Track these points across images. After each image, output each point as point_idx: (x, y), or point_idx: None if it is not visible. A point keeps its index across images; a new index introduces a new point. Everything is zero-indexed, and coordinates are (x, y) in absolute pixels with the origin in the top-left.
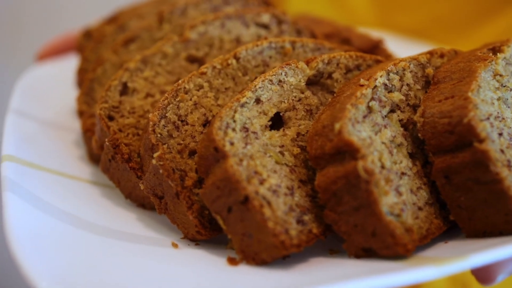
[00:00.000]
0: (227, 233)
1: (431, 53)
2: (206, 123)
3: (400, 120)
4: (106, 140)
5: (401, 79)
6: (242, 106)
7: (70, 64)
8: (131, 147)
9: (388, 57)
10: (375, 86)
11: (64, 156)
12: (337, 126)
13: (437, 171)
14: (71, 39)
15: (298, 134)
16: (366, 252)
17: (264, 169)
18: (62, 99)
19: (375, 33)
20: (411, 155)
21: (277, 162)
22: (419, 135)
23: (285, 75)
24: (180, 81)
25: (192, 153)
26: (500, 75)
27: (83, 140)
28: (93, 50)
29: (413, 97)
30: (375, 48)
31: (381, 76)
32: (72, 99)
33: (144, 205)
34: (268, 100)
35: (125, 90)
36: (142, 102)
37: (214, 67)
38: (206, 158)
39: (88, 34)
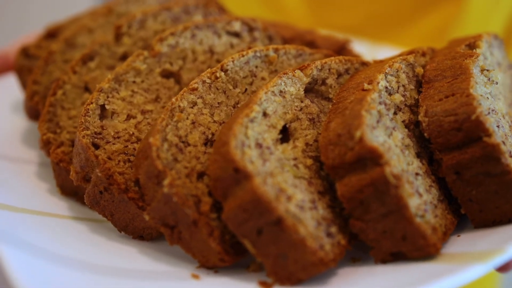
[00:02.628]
0: (257, 256)
1: (412, 52)
2: (207, 142)
3: (403, 121)
4: (98, 170)
5: (397, 81)
6: (252, 121)
7: (4, 85)
8: (126, 176)
9: (355, 57)
10: (379, 90)
11: (32, 192)
12: (357, 134)
13: (447, 168)
14: (3, 58)
15: (306, 144)
16: (394, 257)
17: (287, 185)
18: (3, 127)
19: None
20: (418, 155)
21: (295, 176)
22: (425, 134)
23: (284, 85)
24: (173, 100)
25: (200, 175)
26: (487, 70)
27: (54, 172)
28: (42, 71)
29: (409, 97)
30: (342, 50)
31: (382, 79)
32: (15, 126)
33: (143, 236)
34: (274, 112)
35: (103, 113)
36: (125, 125)
37: (204, 82)
38: (224, 180)
39: (26, 53)
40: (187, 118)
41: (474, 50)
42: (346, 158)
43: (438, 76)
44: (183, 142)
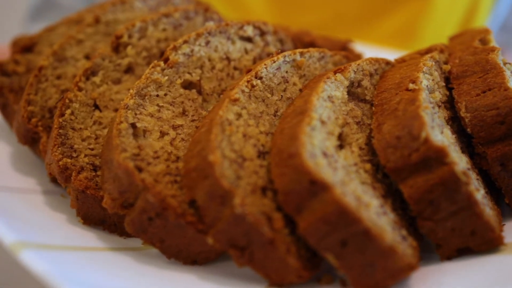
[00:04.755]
0: (340, 268)
1: (431, 49)
2: (260, 155)
3: (444, 118)
4: (150, 195)
5: (433, 79)
6: (313, 129)
7: None
8: (178, 199)
9: (358, 56)
10: (424, 89)
11: (55, 226)
12: (423, 134)
13: (492, 161)
14: None
15: (360, 149)
16: (460, 252)
17: (360, 192)
18: None
19: None
20: (461, 150)
21: (362, 183)
22: (468, 130)
23: (330, 89)
24: (220, 113)
25: (263, 191)
26: (509, 63)
27: (76, 200)
28: (35, 89)
29: (442, 94)
30: (343, 50)
31: (423, 78)
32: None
33: (197, 261)
34: (328, 119)
35: (135, 132)
36: (161, 143)
37: (243, 91)
38: (297, 194)
39: (2, 70)
40: (237, 131)
41: (486, 44)
42: (411, 160)
43: (466, 71)
44: (240, 157)
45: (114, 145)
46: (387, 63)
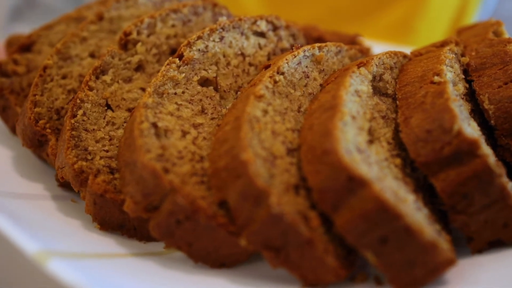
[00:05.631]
0: (378, 265)
1: (446, 42)
2: (289, 152)
3: (467, 111)
4: (179, 197)
5: (454, 71)
6: (345, 125)
7: None
8: (207, 200)
9: (369, 50)
10: (449, 82)
11: (72, 232)
12: (455, 127)
13: None
14: None
15: (388, 143)
16: (491, 245)
17: (396, 188)
18: None
19: None
20: (486, 142)
21: (394, 178)
22: (492, 122)
23: (356, 83)
24: (248, 109)
25: (295, 189)
26: None
27: (94, 205)
28: (41, 90)
29: (463, 86)
30: (352, 44)
31: (448, 71)
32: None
33: (225, 264)
34: (358, 113)
35: (157, 131)
36: (184, 143)
37: (267, 87)
38: (334, 191)
39: (2, 71)
40: (266, 128)
41: (498, 36)
42: (443, 153)
43: (485, 64)
44: (271, 155)
45: (137, 146)
46: (404, 56)
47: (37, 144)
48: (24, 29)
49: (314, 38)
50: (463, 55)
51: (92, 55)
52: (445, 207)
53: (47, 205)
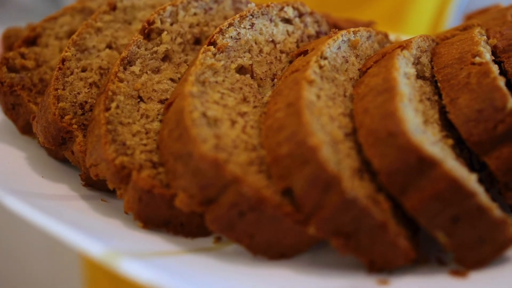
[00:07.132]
0: (449, 246)
1: (469, 26)
2: (347, 137)
3: None
4: (244, 188)
5: (487, 53)
6: (405, 106)
7: None
8: (270, 189)
9: (386, 36)
10: (490, 62)
11: (123, 231)
12: (509, 105)
13: None
14: None
15: (438, 125)
16: None
17: (458, 167)
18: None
19: None
20: None
21: (452, 158)
22: None
23: (403, 66)
24: (303, 94)
25: (360, 173)
26: None
27: (139, 202)
28: (62, 84)
29: (496, 68)
30: None
31: (486, 52)
32: (17, 157)
33: (285, 254)
34: (411, 95)
35: (208, 121)
36: (235, 132)
37: (315, 72)
38: (403, 173)
39: (9, 66)
40: (322, 113)
41: None
42: (496, 131)
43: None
44: (332, 140)
45: (192, 136)
46: (433, 40)
47: (60, 142)
48: None
49: (330, 25)
50: (488, 37)
51: (109, 47)
52: (499, 185)
53: (81, 206)
